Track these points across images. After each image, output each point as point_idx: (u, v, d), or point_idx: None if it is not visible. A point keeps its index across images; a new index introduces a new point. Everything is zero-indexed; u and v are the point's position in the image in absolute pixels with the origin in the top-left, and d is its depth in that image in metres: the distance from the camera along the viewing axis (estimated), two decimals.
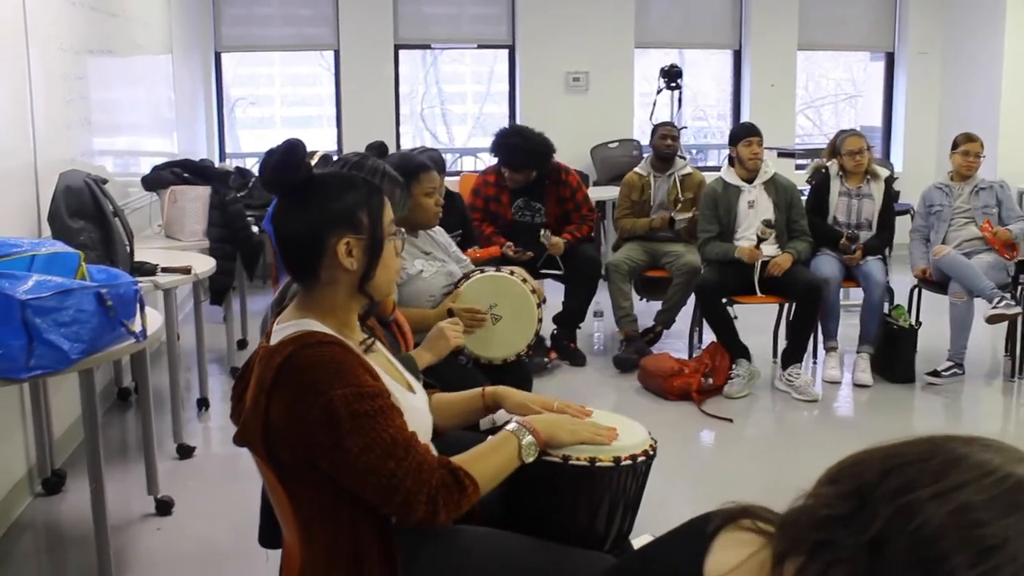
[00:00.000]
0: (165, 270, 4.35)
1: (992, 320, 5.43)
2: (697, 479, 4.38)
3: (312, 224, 1.95)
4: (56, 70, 4.46)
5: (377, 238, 1.98)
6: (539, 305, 3.71)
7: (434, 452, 1.90)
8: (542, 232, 5.79)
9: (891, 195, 5.87)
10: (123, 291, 3.13)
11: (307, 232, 1.95)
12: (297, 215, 1.97)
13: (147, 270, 4.27)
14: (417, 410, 2.04)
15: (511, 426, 2.04)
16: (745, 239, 5.58)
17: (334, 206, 1.96)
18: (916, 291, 6.02)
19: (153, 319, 3.43)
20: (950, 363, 5.59)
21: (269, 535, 2.36)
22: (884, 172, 5.92)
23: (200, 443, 4.70)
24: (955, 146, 5.93)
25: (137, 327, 3.19)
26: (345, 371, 1.83)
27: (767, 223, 5.44)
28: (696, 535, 1.17)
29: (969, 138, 5.89)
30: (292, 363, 1.83)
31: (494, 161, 6.08)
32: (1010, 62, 8.89)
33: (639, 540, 2.39)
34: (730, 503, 1.17)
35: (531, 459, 2.01)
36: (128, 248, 4.21)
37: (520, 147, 5.85)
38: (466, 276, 3.70)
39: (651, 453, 2.13)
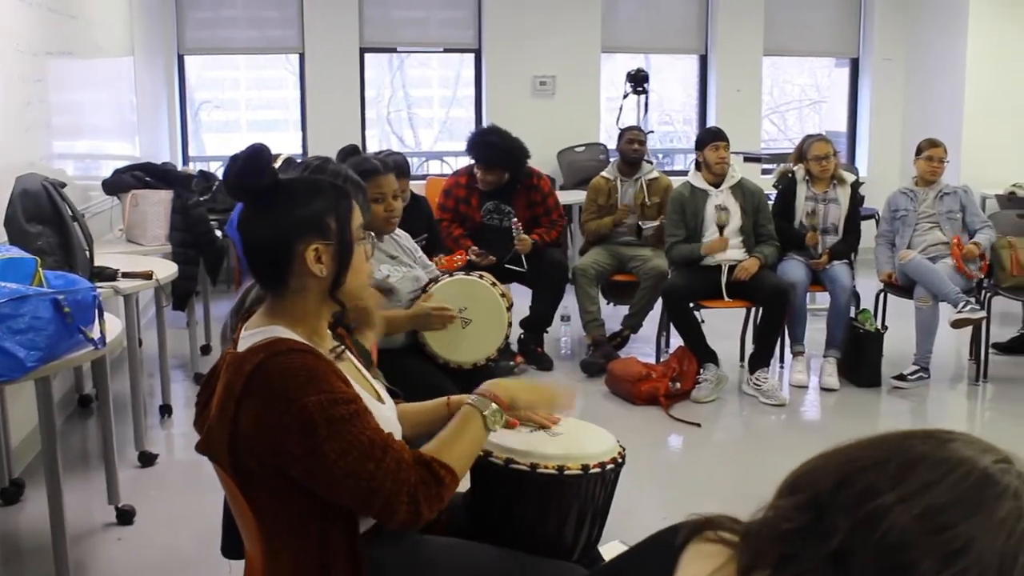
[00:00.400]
0: (126, 275, 4.29)
1: (957, 324, 5.46)
2: (665, 484, 4.36)
3: (279, 231, 1.91)
4: (13, 72, 4.38)
5: (346, 243, 1.94)
6: (508, 309, 3.68)
7: (408, 449, 1.87)
8: (513, 225, 5.77)
9: (857, 200, 5.90)
10: (81, 297, 3.08)
11: (274, 239, 1.91)
12: (263, 222, 1.92)
13: (107, 275, 4.20)
14: (386, 419, 2.00)
15: (471, 399, 2.01)
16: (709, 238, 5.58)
17: (301, 212, 1.91)
18: (882, 295, 6.04)
19: (113, 325, 3.37)
20: (916, 367, 5.61)
21: (232, 546, 2.31)
22: (850, 177, 5.95)
23: (163, 450, 4.62)
24: (919, 151, 5.96)
25: (96, 334, 3.13)
26: (318, 378, 1.79)
27: (720, 207, 5.45)
28: (664, 548, 1.14)
29: (933, 143, 5.92)
30: (263, 370, 1.79)
31: (464, 163, 6.05)
32: (973, 68, 8.98)
33: (608, 547, 2.36)
34: (695, 515, 1.14)
35: (499, 427, 1.99)
36: (88, 253, 4.13)
37: (497, 145, 5.84)
38: (434, 280, 3.67)
39: (620, 461, 2.11)
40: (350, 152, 3.47)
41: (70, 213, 4.12)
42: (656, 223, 6.02)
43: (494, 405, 1.98)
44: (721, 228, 5.49)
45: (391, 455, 1.79)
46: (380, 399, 2.07)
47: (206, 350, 6.18)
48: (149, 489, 4.19)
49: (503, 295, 3.68)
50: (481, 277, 3.73)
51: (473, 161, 5.96)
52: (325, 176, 2.74)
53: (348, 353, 2.08)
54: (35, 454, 4.37)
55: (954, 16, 9.11)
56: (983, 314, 5.49)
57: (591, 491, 2.06)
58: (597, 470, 2.05)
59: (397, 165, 3.85)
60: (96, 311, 3.16)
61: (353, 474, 1.75)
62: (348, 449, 1.75)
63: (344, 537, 1.86)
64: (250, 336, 1.92)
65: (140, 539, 3.73)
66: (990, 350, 5.80)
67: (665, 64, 10.18)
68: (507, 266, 5.73)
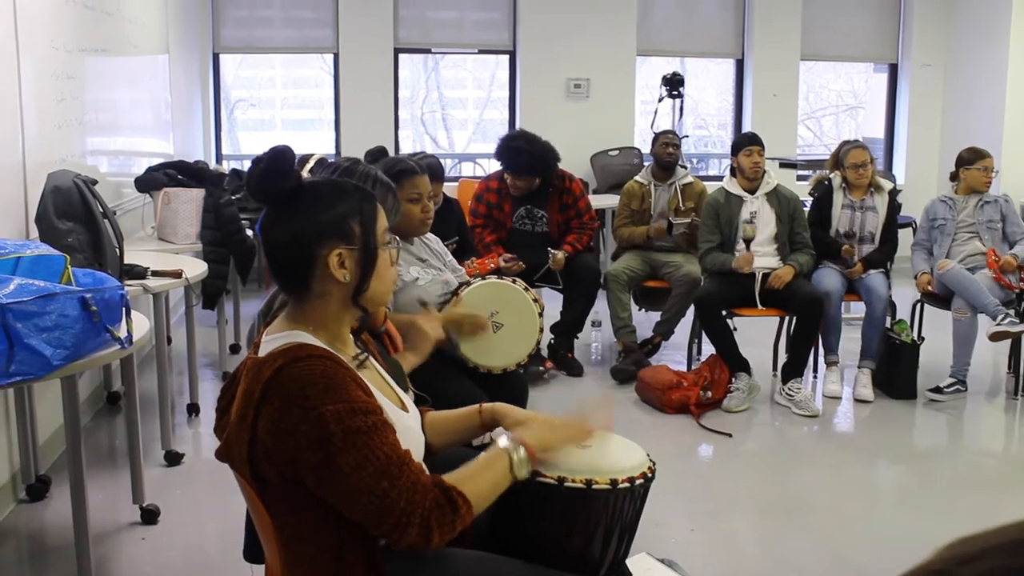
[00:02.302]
0: (156, 273, 4.28)
1: (995, 337, 5.36)
2: (695, 495, 4.29)
3: (301, 235, 1.87)
4: (47, 69, 4.38)
5: (370, 248, 1.90)
6: (540, 314, 3.63)
7: (427, 472, 1.82)
8: (549, 250, 5.72)
9: (895, 208, 5.80)
10: (108, 296, 3.06)
11: (296, 243, 1.87)
12: (286, 225, 1.88)
13: (137, 273, 4.19)
14: (409, 429, 1.95)
15: (503, 442, 1.96)
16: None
17: (324, 216, 1.87)
18: (919, 306, 5.94)
19: (141, 324, 3.35)
20: (952, 380, 5.51)
21: (253, 550, 2.28)
22: (888, 184, 5.85)
23: (189, 450, 4.61)
24: (964, 161, 5.84)
25: (123, 333, 3.12)
26: (337, 386, 1.74)
27: (747, 221, 5.37)
28: None
29: (980, 154, 5.81)
30: (282, 376, 1.75)
31: (496, 167, 6.00)
32: (1014, 76, 8.83)
33: (635, 559, 2.31)
34: None
35: (524, 475, 1.93)
36: (118, 251, 4.12)
37: (524, 151, 5.78)
38: (466, 284, 3.62)
39: (650, 475, 2.05)
40: (378, 154, 3.43)
41: (101, 210, 4.11)
42: (687, 220, 5.94)
43: (523, 452, 1.93)
44: (748, 241, 5.40)
45: (407, 474, 1.74)
46: (404, 407, 2.03)
47: (235, 349, 6.18)
48: (175, 489, 4.17)
49: (535, 300, 3.64)
50: (514, 281, 3.68)
51: (505, 169, 5.90)
52: (354, 177, 2.70)
53: (372, 360, 2.04)
54: (62, 451, 4.37)
55: (996, 23, 8.96)
56: (1023, 327, 5.37)
57: (620, 506, 2.00)
58: (626, 485, 1.99)
59: (431, 168, 3.81)
60: (123, 310, 3.14)
61: (367, 490, 1.71)
62: (363, 463, 1.71)
63: (362, 549, 1.82)
64: (271, 341, 1.88)
65: (163, 539, 3.71)
66: None
67: (700, 68, 10.09)
68: (539, 283, 5.67)
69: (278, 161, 1.86)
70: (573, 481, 1.96)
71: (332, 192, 1.92)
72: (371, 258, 1.90)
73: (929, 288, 5.74)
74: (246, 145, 10.20)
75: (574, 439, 2.04)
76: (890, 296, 5.63)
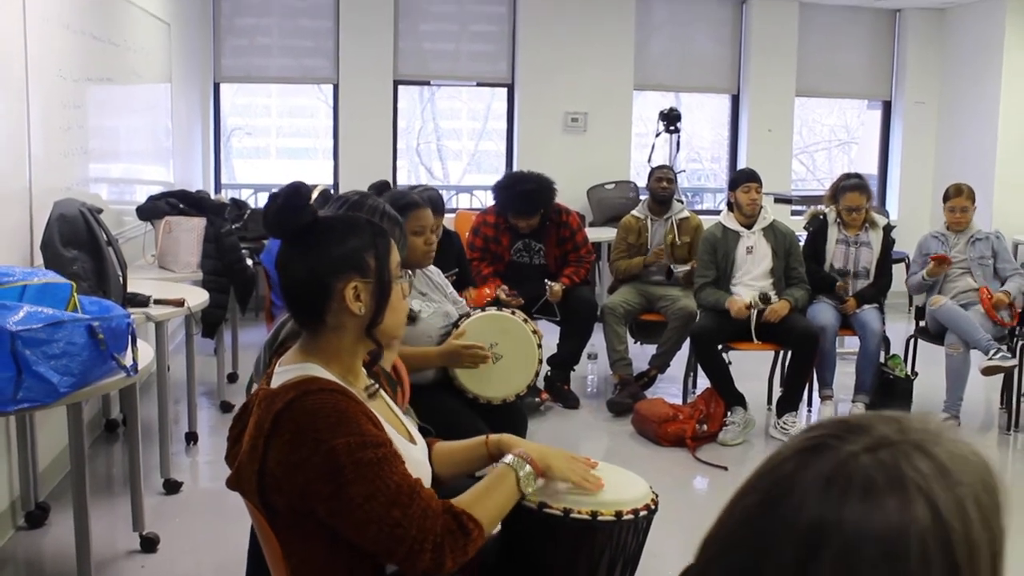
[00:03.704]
0: (158, 302, 4.31)
1: (988, 372, 5.41)
2: (691, 527, 4.28)
3: (318, 268, 1.91)
4: (55, 98, 4.43)
5: (385, 281, 1.95)
6: (539, 345, 3.67)
7: (436, 498, 1.85)
8: (546, 282, 5.76)
9: (889, 243, 5.86)
10: (115, 324, 3.09)
11: (313, 277, 1.91)
12: (303, 259, 1.93)
13: (140, 301, 4.22)
14: (418, 462, 1.99)
15: (507, 459, 2.00)
16: (743, 284, 5.55)
17: (340, 250, 1.92)
18: (912, 341, 5.99)
19: (144, 352, 3.38)
20: (946, 414, 5.55)
21: None
22: (882, 220, 5.92)
23: (188, 478, 4.62)
24: (946, 198, 5.94)
25: (128, 361, 3.14)
26: (347, 420, 1.78)
27: (764, 298, 5.40)
28: None
29: (958, 191, 5.88)
30: (293, 409, 1.79)
31: (492, 200, 6.05)
32: (1006, 113, 8.94)
33: None
34: None
35: (531, 489, 1.97)
36: (121, 279, 4.15)
37: (534, 192, 5.82)
38: (467, 315, 3.66)
39: (653, 507, 2.09)
40: (381, 187, 3.48)
41: (105, 238, 4.15)
42: (687, 267, 5.99)
43: (529, 467, 1.97)
44: (756, 308, 5.42)
45: (418, 502, 1.78)
46: (412, 439, 2.06)
47: (233, 378, 6.19)
48: (173, 517, 4.18)
49: (535, 331, 3.67)
50: (514, 313, 3.72)
51: (510, 211, 5.92)
52: (363, 211, 2.75)
53: (381, 392, 2.07)
54: (61, 478, 4.39)
55: (988, 61, 9.08)
56: (1015, 362, 5.43)
57: (624, 538, 2.04)
58: (630, 517, 2.03)
59: (432, 201, 3.86)
60: (129, 338, 3.18)
61: (378, 519, 1.75)
62: (374, 494, 1.75)
63: None
64: (283, 372, 1.92)
65: (163, 568, 3.72)
66: (1022, 399, 5.73)
67: (695, 102, 10.19)
68: (536, 315, 5.69)
69: (295, 197, 1.91)
70: (579, 513, 1.99)
71: (347, 227, 1.96)
72: (385, 291, 1.94)
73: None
74: (241, 173, 10.26)
75: (574, 472, 2.07)
76: (884, 331, 5.68)
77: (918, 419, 0.84)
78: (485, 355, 3.47)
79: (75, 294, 3.17)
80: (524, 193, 5.82)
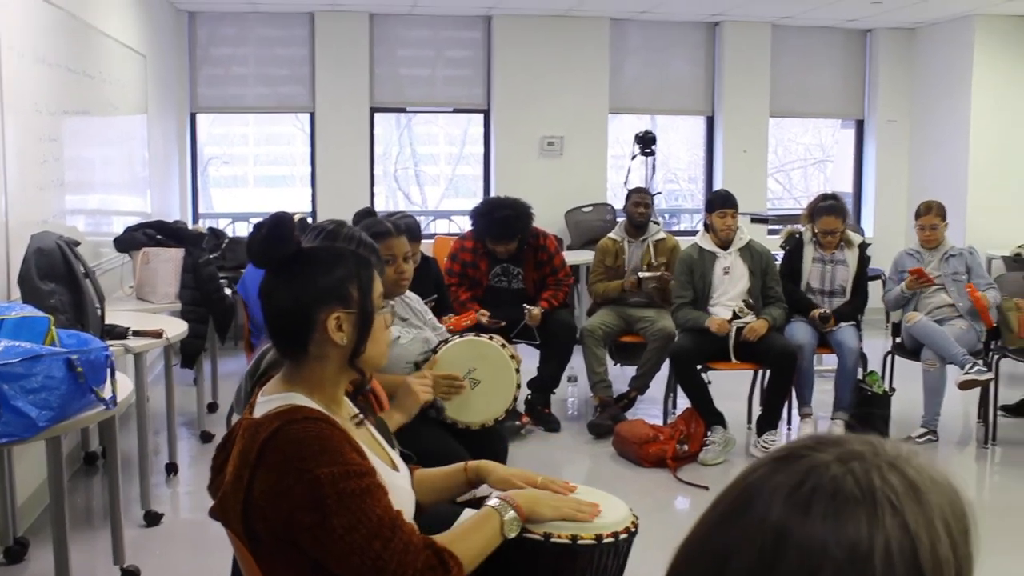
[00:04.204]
0: (136, 333, 4.30)
1: (964, 386, 5.46)
2: (672, 548, 4.31)
3: (302, 298, 1.93)
4: (31, 132, 4.43)
5: (367, 312, 1.96)
6: (517, 370, 3.68)
7: (418, 532, 1.87)
8: (525, 307, 5.78)
9: (865, 261, 5.91)
10: (94, 357, 3.09)
11: (296, 306, 1.93)
12: (286, 289, 1.95)
13: (118, 333, 4.21)
14: (400, 489, 2.00)
15: (493, 501, 2.01)
16: (721, 304, 5.59)
17: (324, 280, 1.94)
18: (889, 357, 6.04)
19: (123, 384, 3.38)
20: (924, 429, 5.60)
21: None
22: (858, 239, 5.96)
23: (168, 510, 4.60)
24: (917, 216, 6.01)
25: (107, 393, 3.14)
26: (332, 449, 1.79)
27: (748, 303, 5.45)
28: None
29: (927, 208, 5.95)
30: (278, 438, 1.80)
31: (470, 225, 6.07)
32: (976, 130, 9.04)
33: None
34: None
35: (513, 535, 1.98)
36: (99, 311, 4.15)
37: (511, 218, 5.84)
38: (445, 341, 3.67)
39: (633, 530, 2.10)
40: (365, 215, 3.50)
41: (82, 271, 4.14)
42: (657, 273, 6.01)
43: (513, 512, 1.98)
44: (736, 316, 5.46)
45: (399, 535, 1.79)
46: (395, 467, 2.07)
47: (213, 408, 6.18)
48: (154, 549, 4.16)
49: (513, 356, 3.69)
50: (491, 338, 3.73)
51: (487, 236, 5.95)
52: (340, 240, 2.77)
53: (365, 421, 2.08)
54: (40, 512, 4.36)
55: (958, 79, 9.19)
56: (990, 376, 5.48)
57: (604, 561, 2.05)
58: (611, 540, 2.04)
59: (409, 228, 3.88)
60: (108, 371, 3.17)
61: (359, 551, 1.75)
62: (356, 525, 1.76)
63: None
64: (267, 402, 1.93)
65: None
66: (998, 412, 5.78)
67: (670, 123, 10.27)
68: (516, 340, 5.71)
69: (279, 227, 1.93)
70: (559, 536, 2.01)
71: (331, 257, 1.98)
72: (368, 321, 1.96)
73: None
74: (219, 202, 10.25)
75: (562, 514, 2.07)
76: (861, 348, 5.72)
77: (891, 443, 0.85)
78: (460, 384, 3.48)
79: (53, 327, 3.16)
80: (501, 219, 5.84)
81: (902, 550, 0.77)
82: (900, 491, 0.79)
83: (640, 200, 6.32)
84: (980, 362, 5.47)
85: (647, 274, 6.06)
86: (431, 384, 3.07)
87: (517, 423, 5.75)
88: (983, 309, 5.64)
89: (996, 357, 5.72)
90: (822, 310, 5.67)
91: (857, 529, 0.77)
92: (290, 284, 1.94)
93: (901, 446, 0.85)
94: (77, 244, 4.25)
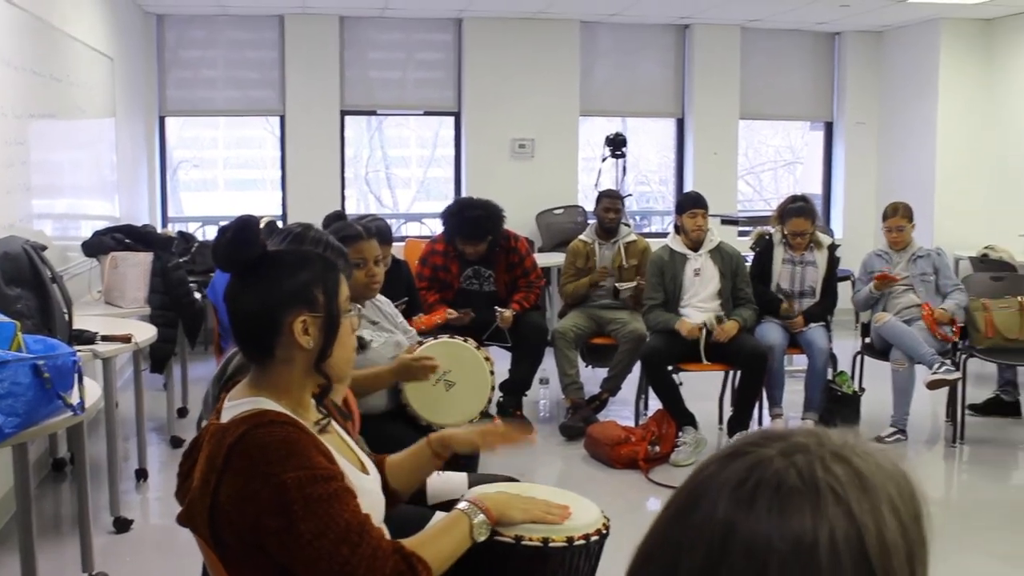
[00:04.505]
0: (105, 338, 4.26)
1: (932, 386, 5.50)
2: None
3: (267, 302, 1.92)
4: None
5: (333, 315, 1.95)
6: (491, 372, 3.69)
7: (387, 536, 1.86)
8: (496, 309, 5.78)
9: (834, 262, 5.95)
10: (61, 362, 3.06)
11: (262, 310, 1.92)
12: (252, 293, 1.93)
13: (86, 338, 4.17)
14: (370, 492, 1.99)
15: (462, 505, 2.01)
16: (691, 306, 5.61)
17: (289, 284, 1.93)
18: (859, 358, 6.09)
19: (92, 390, 3.35)
20: (893, 429, 5.65)
21: None
22: (827, 240, 6.00)
23: (138, 516, 4.56)
24: (884, 218, 6.06)
25: (75, 399, 3.11)
26: (298, 453, 1.78)
27: (719, 319, 5.48)
28: None
29: (894, 210, 6.00)
30: (244, 443, 1.78)
31: (440, 229, 6.06)
32: (944, 131, 9.13)
33: None
34: None
35: (483, 538, 1.98)
36: (66, 316, 4.11)
37: (481, 218, 5.84)
38: (418, 343, 3.67)
39: (604, 532, 2.11)
40: (335, 218, 3.48)
41: (49, 275, 4.11)
42: (633, 285, 6.04)
43: (483, 516, 1.98)
44: (705, 326, 5.50)
45: (367, 541, 1.78)
46: (365, 470, 2.07)
47: (183, 413, 6.13)
48: (124, 556, 4.12)
49: (487, 358, 3.69)
50: (465, 340, 3.74)
51: (458, 236, 5.95)
52: (306, 243, 2.75)
53: (333, 424, 2.07)
54: (7, 520, 4.31)
55: (925, 82, 9.28)
56: (958, 375, 5.53)
57: (576, 563, 2.05)
58: (582, 542, 2.04)
59: (380, 231, 3.86)
60: (76, 376, 3.14)
61: (327, 556, 1.75)
62: (324, 531, 1.75)
63: None
64: (233, 407, 1.91)
65: None
66: (966, 411, 5.84)
67: (641, 126, 10.30)
68: (487, 342, 5.69)
69: (244, 230, 1.92)
70: (530, 539, 2.01)
71: (296, 260, 1.97)
72: (334, 325, 1.95)
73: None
74: (189, 206, 10.18)
75: (533, 516, 2.08)
76: (831, 349, 5.76)
77: (837, 433, 0.86)
78: (435, 364, 3.46)
79: (19, 333, 3.13)
80: (472, 219, 5.84)
81: (848, 538, 0.77)
82: (844, 480, 0.80)
83: (611, 205, 6.32)
84: (948, 362, 5.52)
85: (624, 286, 6.08)
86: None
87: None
88: (932, 326, 5.68)
89: (964, 357, 5.78)
90: (785, 305, 5.71)
91: (801, 521, 0.78)
92: (255, 288, 1.93)
93: (847, 435, 0.86)
94: (44, 249, 4.21)
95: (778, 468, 0.81)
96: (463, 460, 2.78)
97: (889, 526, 0.80)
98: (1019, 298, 5.86)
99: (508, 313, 5.79)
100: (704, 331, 5.45)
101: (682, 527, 0.83)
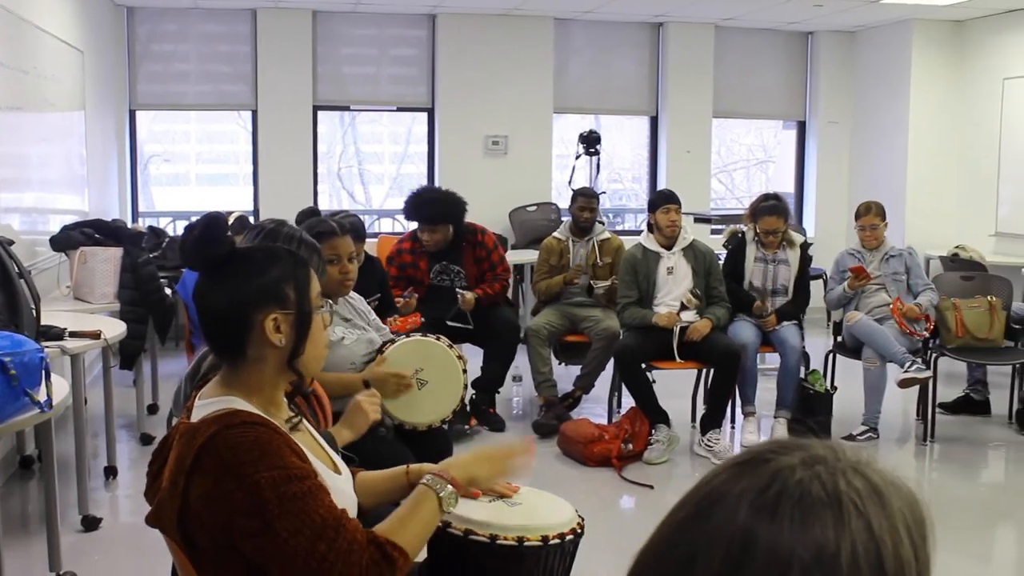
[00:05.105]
0: (73, 334, 4.21)
1: (904, 384, 5.54)
2: (618, 547, 4.30)
3: (237, 300, 1.89)
4: None
5: (305, 312, 1.93)
6: (464, 370, 3.67)
7: (362, 529, 1.84)
8: (457, 290, 5.76)
9: (806, 261, 5.97)
10: (28, 359, 3.02)
11: (232, 308, 1.89)
12: (221, 291, 1.90)
13: (54, 334, 4.12)
14: (343, 491, 1.97)
15: (426, 479, 1.98)
16: (664, 304, 5.61)
17: (259, 281, 1.90)
18: (831, 356, 6.11)
19: (59, 386, 3.30)
20: (865, 427, 5.68)
21: None
22: (799, 238, 6.02)
23: (107, 514, 4.51)
24: (857, 217, 6.09)
25: (42, 396, 3.07)
26: (271, 453, 1.76)
27: (695, 293, 5.49)
28: None
29: (867, 208, 6.03)
30: (215, 444, 1.76)
31: (412, 227, 6.03)
32: (915, 131, 9.20)
33: None
34: None
35: (454, 508, 1.96)
36: (34, 311, 4.05)
37: (437, 200, 5.84)
38: (390, 342, 3.64)
39: (579, 531, 2.10)
40: (308, 214, 3.46)
41: (16, 270, 4.05)
42: (607, 283, 6.04)
43: (450, 487, 1.96)
44: (683, 307, 5.51)
45: (343, 535, 1.76)
46: (337, 469, 2.04)
47: (153, 409, 6.08)
48: (93, 555, 4.08)
49: (460, 357, 3.67)
50: (438, 338, 3.72)
51: (416, 224, 5.93)
52: (279, 239, 2.72)
53: (305, 423, 2.05)
54: None
55: (897, 82, 9.34)
56: (929, 374, 5.57)
57: (551, 562, 2.04)
58: (557, 541, 2.03)
59: (353, 227, 3.84)
60: (43, 373, 3.10)
61: (304, 554, 1.72)
62: (300, 529, 1.72)
63: None
64: (204, 406, 1.89)
65: None
66: (937, 410, 5.88)
67: (614, 123, 10.31)
68: (450, 323, 5.66)
69: (212, 227, 1.89)
70: (505, 539, 1.99)
71: (266, 257, 1.94)
72: (306, 322, 1.93)
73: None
74: (160, 201, 10.10)
75: (499, 469, 2.10)
76: (803, 347, 5.78)
77: (851, 448, 0.87)
78: (408, 383, 3.46)
79: None
80: (429, 200, 5.84)
81: (867, 552, 0.78)
82: (864, 495, 0.81)
83: (586, 204, 6.30)
84: (919, 360, 5.56)
85: (599, 284, 6.07)
86: (379, 402, 3.03)
87: (465, 426, 5.70)
88: (901, 322, 5.72)
89: (935, 356, 5.82)
90: (758, 303, 5.73)
91: (824, 532, 0.78)
92: (224, 285, 1.90)
93: (861, 451, 0.87)
94: (11, 243, 4.15)
95: (801, 478, 0.81)
96: (435, 458, 2.75)
97: (904, 543, 0.81)
98: (989, 298, 5.91)
99: (470, 295, 5.76)
100: (677, 328, 5.45)
101: (696, 533, 0.83)
